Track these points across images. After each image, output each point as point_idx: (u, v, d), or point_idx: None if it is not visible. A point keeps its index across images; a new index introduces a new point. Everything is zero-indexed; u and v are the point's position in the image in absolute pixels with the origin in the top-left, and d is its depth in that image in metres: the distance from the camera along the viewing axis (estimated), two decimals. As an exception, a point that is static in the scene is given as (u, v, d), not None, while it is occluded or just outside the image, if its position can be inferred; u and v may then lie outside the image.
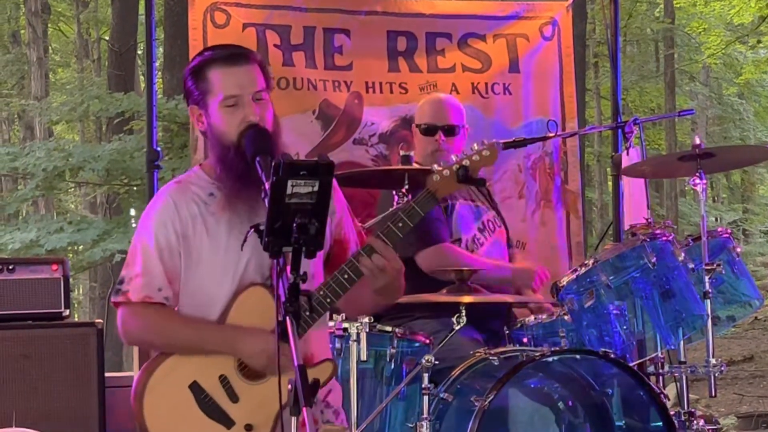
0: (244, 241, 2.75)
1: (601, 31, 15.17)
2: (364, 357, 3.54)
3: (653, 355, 3.87)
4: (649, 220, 3.91)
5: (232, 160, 2.92)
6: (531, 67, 5.43)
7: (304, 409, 2.25)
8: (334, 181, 2.89)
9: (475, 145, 3.09)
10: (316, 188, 2.42)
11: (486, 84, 5.35)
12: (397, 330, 3.70)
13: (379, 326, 3.65)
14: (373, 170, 4.79)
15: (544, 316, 4.00)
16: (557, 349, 3.62)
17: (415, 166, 4.16)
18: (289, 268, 2.42)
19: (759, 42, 20.78)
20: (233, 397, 2.88)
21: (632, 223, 4.15)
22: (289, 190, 2.41)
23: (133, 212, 13.01)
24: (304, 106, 5.10)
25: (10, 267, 4.04)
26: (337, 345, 3.54)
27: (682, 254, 3.85)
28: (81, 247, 13.05)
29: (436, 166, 3.06)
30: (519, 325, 4.04)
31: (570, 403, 3.73)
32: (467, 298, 3.62)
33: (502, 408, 3.61)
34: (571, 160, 5.47)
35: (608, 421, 3.67)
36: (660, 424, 3.55)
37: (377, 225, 4.08)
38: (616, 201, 5.11)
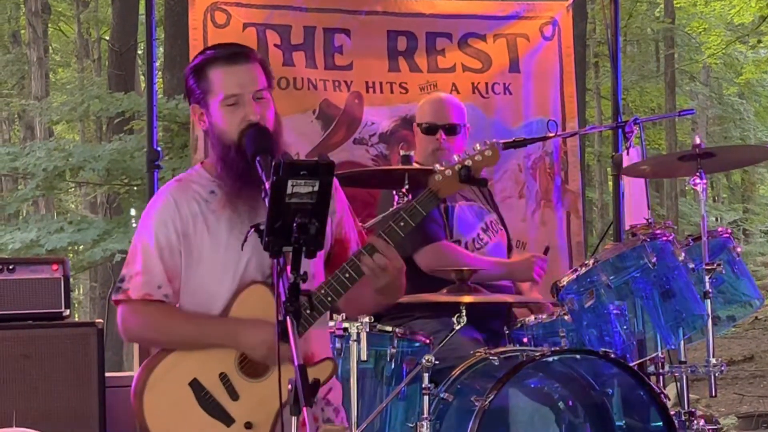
0: (245, 240, 2.75)
1: (602, 31, 15.18)
2: (364, 357, 3.54)
3: (653, 355, 3.87)
4: (650, 220, 3.91)
5: (232, 159, 2.93)
6: (531, 67, 5.43)
7: (304, 408, 2.25)
8: (336, 181, 2.91)
9: (478, 145, 3.09)
10: (316, 188, 2.42)
11: (486, 84, 5.36)
12: (397, 330, 3.70)
13: (379, 326, 3.65)
14: (374, 170, 4.79)
15: (545, 316, 4.00)
16: (557, 349, 3.62)
17: (416, 165, 4.16)
18: (289, 267, 2.43)
19: (759, 42, 20.79)
20: (233, 395, 2.88)
21: (632, 223, 4.15)
22: (289, 190, 2.41)
23: (133, 212, 13.01)
24: (305, 105, 5.10)
25: (11, 267, 4.03)
26: (338, 345, 3.54)
27: (683, 254, 3.85)
28: (81, 247, 13.05)
29: (438, 166, 3.06)
30: (519, 324, 4.04)
31: (570, 403, 3.73)
32: (467, 298, 3.62)
33: (502, 408, 3.61)
34: (571, 160, 5.47)
35: (608, 421, 3.67)
36: (660, 424, 3.55)
37: (378, 225, 4.08)
38: (617, 201, 5.11)
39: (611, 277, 3.74)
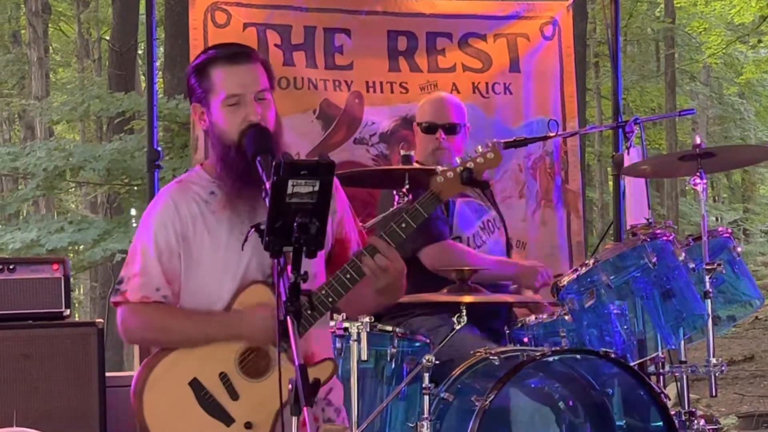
0: (245, 240, 2.75)
1: (602, 31, 15.18)
2: (364, 357, 3.54)
3: (654, 355, 3.87)
4: (650, 220, 3.91)
5: (233, 159, 2.93)
6: (531, 67, 5.43)
7: (304, 408, 2.25)
8: (336, 181, 2.91)
9: (480, 147, 3.10)
10: (316, 188, 2.43)
11: (486, 84, 5.36)
12: (397, 330, 3.70)
13: (379, 326, 3.65)
14: (374, 170, 4.79)
15: (545, 316, 4.00)
16: (558, 348, 3.62)
17: (416, 165, 4.16)
18: (290, 267, 2.43)
19: (760, 41, 20.78)
20: (233, 395, 2.88)
21: (633, 222, 4.15)
22: (289, 190, 2.41)
23: (133, 212, 13.01)
24: (305, 105, 5.10)
25: (11, 267, 4.03)
26: (338, 345, 3.55)
27: (683, 254, 3.85)
28: (81, 247, 13.05)
29: (440, 168, 3.07)
30: (519, 324, 4.04)
31: (570, 403, 3.73)
32: (468, 298, 3.62)
33: (502, 408, 3.61)
34: (571, 159, 5.47)
35: (609, 420, 3.67)
36: (660, 423, 3.55)
37: (378, 225, 4.08)
38: (617, 201, 5.11)
39: (611, 277, 3.74)
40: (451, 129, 4.51)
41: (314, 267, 2.94)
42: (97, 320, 4.07)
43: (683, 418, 3.81)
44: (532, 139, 4.82)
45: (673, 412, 3.62)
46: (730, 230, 4.22)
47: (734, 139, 23.01)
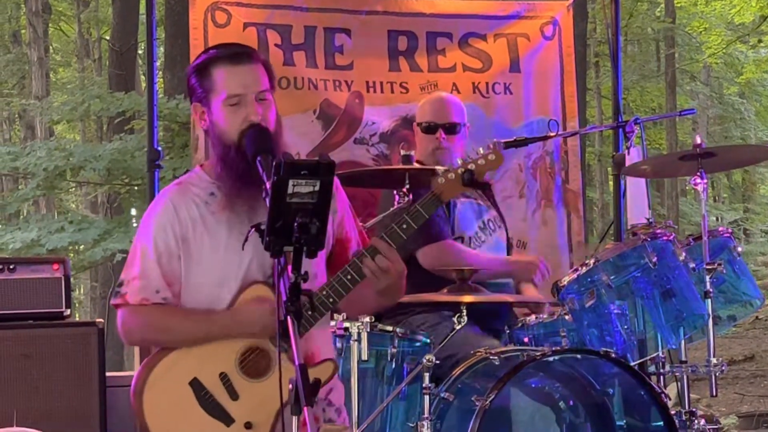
0: (245, 240, 2.76)
1: (602, 31, 15.18)
2: (365, 356, 3.54)
3: (654, 355, 3.87)
4: (650, 220, 3.91)
5: (233, 159, 2.93)
6: (532, 67, 5.43)
7: (305, 408, 2.25)
8: (337, 181, 2.91)
9: (481, 149, 3.09)
10: (317, 188, 2.43)
11: (487, 83, 5.36)
12: (398, 330, 3.70)
13: (380, 326, 3.65)
14: (374, 170, 4.79)
15: (545, 316, 4.00)
16: (558, 348, 3.62)
17: (416, 165, 4.16)
18: (290, 267, 2.43)
19: (760, 41, 20.78)
20: (233, 395, 2.88)
21: (634, 222, 4.15)
22: (290, 190, 2.42)
23: (134, 212, 13.01)
24: (305, 105, 5.10)
25: (11, 266, 4.04)
26: (338, 344, 3.54)
27: (683, 254, 3.85)
28: (82, 247, 13.05)
29: (441, 169, 3.07)
30: (520, 324, 4.04)
31: (571, 403, 3.73)
32: (468, 298, 3.62)
33: (503, 408, 3.61)
34: (572, 159, 5.47)
35: (609, 420, 3.67)
36: (661, 423, 3.55)
37: (379, 225, 4.08)
38: (617, 200, 5.11)
39: (612, 277, 3.74)
40: (451, 129, 4.51)
41: (314, 267, 2.94)
42: (98, 320, 4.07)
43: (684, 417, 3.81)
44: (533, 139, 4.82)
45: (673, 412, 3.62)
46: (730, 230, 4.22)
47: (734, 139, 23.00)
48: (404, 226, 2.95)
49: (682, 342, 3.89)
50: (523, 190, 5.37)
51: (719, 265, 3.89)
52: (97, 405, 3.92)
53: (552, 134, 4.86)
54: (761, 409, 8.81)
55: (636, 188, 4.60)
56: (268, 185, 2.60)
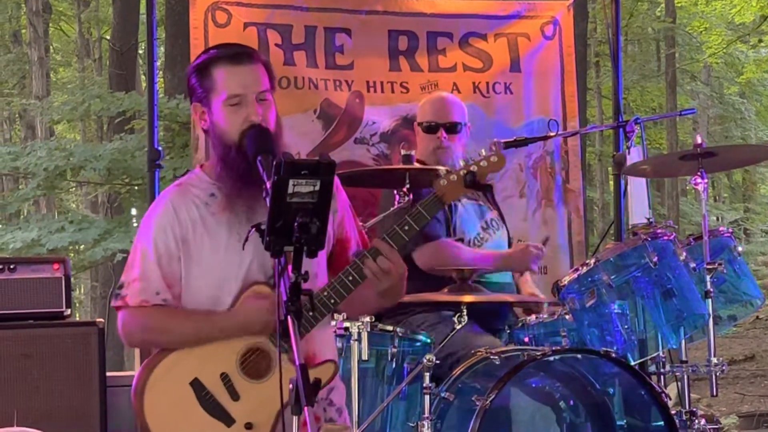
0: (245, 240, 2.76)
1: (603, 31, 15.18)
2: (365, 356, 3.54)
3: (654, 355, 3.87)
4: (651, 220, 3.91)
5: (233, 159, 2.92)
6: (532, 67, 5.43)
7: (305, 408, 2.25)
8: (337, 181, 2.91)
9: (483, 150, 3.09)
10: (317, 188, 2.43)
11: (487, 83, 5.36)
12: (398, 329, 3.70)
13: (380, 326, 3.65)
14: (375, 169, 4.80)
15: (546, 316, 4.00)
16: (558, 348, 3.62)
17: (417, 165, 4.16)
18: (290, 267, 2.43)
19: (760, 41, 20.78)
20: (234, 395, 2.88)
21: (634, 222, 4.15)
22: (290, 190, 2.42)
23: (134, 212, 13.02)
24: (306, 105, 5.10)
25: (12, 266, 4.04)
26: (339, 344, 3.54)
27: (684, 253, 3.85)
28: (82, 247, 13.05)
29: (443, 171, 3.06)
30: (520, 324, 4.04)
31: (571, 403, 3.73)
32: (468, 297, 3.62)
33: (503, 407, 3.61)
34: (572, 159, 5.47)
35: (609, 420, 3.67)
36: (661, 423, 3.55)
37: (379, 225, 4.09)
38: (618, 200, 5.11)
39: (612, 277, 3.74)
40: (452, 128, 4.51)
41: (315, 267, 2.94)
42: (98, 320, 4.07)
43: (684, 417, 3.81)
44: (533, 138, 4.82)
45: (673, 412, 3.62)
46: (730, 230, 4.22)
47: (735, 138, 22.99)
48: (406, 227, 2.95)
49: (683, 342, 3.89)
50: (523, 189, 5.37)
51: (720, 264, 3.89)
52: (97, 405, 3.92)
53: (552, 134, 4.86)
54: (762, 408, 8.81)
55: (636, 188, 4.60)
56: (268, 185, 2.59)
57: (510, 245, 4.64)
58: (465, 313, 3.59)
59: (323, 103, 5.13)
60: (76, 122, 17.78)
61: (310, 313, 2.79)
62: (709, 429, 3.86)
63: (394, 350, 3.68)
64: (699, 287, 3.82)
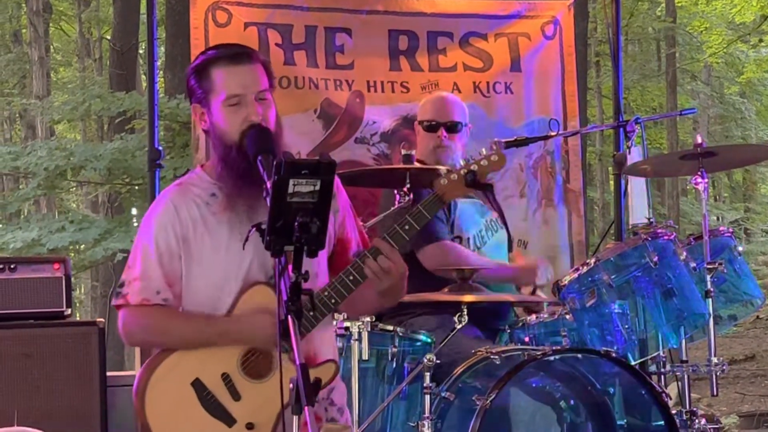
0: (246, 240, 2.76)
1: (603, 30, 15.17)
2: (365, 356, 3.54)
3: (655, 354, 3.87)
4: (651, 220, 3.91)
5: (233, 159, 2.92)
6: (533, 66, 5.43)
7: (306, 408, 2.26)
8: (338, 180, 2.91)
9: (484, 150, 3.09)
10: (317, 187, 2.43)
11: (487, 83, 5.35)
12: (398, 329, 3.70)
13: (380, 325, 3.65)
14: (375, 169, 4.79)
15: (546, 315, 4.00)
16: (559, 348, 3.62)
17: (417, 165, 4.16)
18: (291, 267, 2.43)
19: (761, 41, 20.78)
20: (235, 395, 2.88)
21: (635, 222, 4.15)
22: (290, 189, 2.42)
23: (134, 211, 13.02)
24: (306, 105, 5.10)
25: (12, 266, 4.04)
26: (339, 344, 3.54)
27: (684, 253, 3.85)
28: (83, 246, 13.06)
29: (443, 170, 3.06)
30: (520, 324, 4.04)
31: (572, 402, 3.73)
32: (469, 297, 3.62)
33: (503, 407, 3.61)
34: (572, 159, 5.47)
35: (610, 420, 3.67)
36: (662, 423, 3.55)
37: (380, 224, 4.09)
38: (618, 200, 5.11)
39: (613, 277, 3.74)
40: (452, 127, 4.52)
41: (316, 267, 2.93)
42: (98, 320, 4.07)
43: (684, 417, 3.81)
44: (533, 138, 4.82)
45: (674, 412, 3.62)
46: (731, 229, 4.22)
47: (735, 138, 22.97)
48: (406, 226, 2.95)
49: (683, 341, 3.90)
50: (523, 189, 5.37)
51: (720, 264, 3.89)
52: (97, 404, 3.93)
53: (553, 134, 4.86)
54: (762, 408, 8.82)
55: (637, 188, 4.60)
56: (268, 185, 2.59)
57: (510, 247, 4.64)
58: (465, 312, 3.59)
59: (323, 102, 5.13)
60: (76, 122, 17.78)
61: (311, 313, 2.79)
62: (710, 429, 3.86)
63: (395, 350, 3.68)
64: (699, 287, 3.82)
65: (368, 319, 3.54)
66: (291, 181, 2.41)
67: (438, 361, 3.57)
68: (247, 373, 2.89)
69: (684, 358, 3.96)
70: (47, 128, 17.20)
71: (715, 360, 3.86)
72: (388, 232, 2.94)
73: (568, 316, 3.86)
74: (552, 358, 3.54)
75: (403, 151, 4.08)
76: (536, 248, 5.29)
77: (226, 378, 2.88)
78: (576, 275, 3.77)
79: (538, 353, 3.51)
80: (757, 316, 13.66)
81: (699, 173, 3.95)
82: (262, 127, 2.91)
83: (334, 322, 3.48)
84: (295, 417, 2.30)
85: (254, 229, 2.55)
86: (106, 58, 17.39)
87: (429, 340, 3.77)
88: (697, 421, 3.83)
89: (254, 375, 2.89)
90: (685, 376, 3.97)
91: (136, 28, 14.31)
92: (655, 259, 3.72)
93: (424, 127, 4.57)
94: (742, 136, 23.16)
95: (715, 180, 24.76)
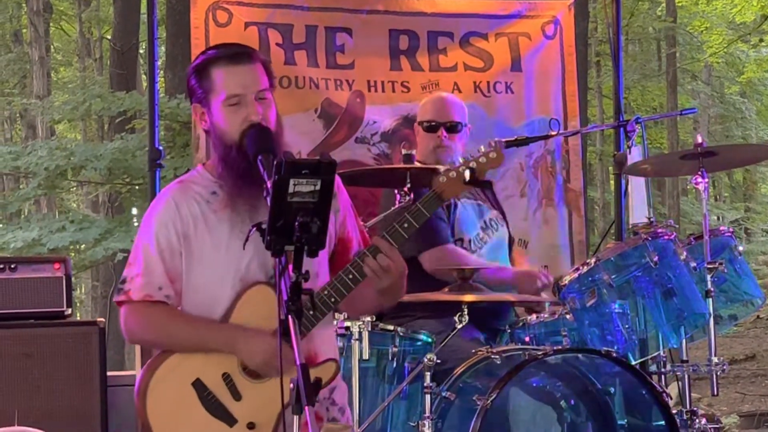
0: (246, 239, 2.75)
1: (603, 30, 15.16)
2: (366, 356, 3.54)
3: (655, 354, 3.87)
4: (651, 219, 3.90)
5: (234, 158, 2.92)
6: (533, 66, 5.43)
7: (306, 408, 2.26)
8: (338, 180, 2.91)
9: (482, 147, 3.09)
10: (318, 187, 2.43)
11: (488, 83, 5.35)
12: (399, 329, 3.70)
13: (381, 325, 3.65)
14: (375, 169, 4.80)
15: (546, 315, 4.00)
16: (559, 347, 3.62)
17: (417, 164, 4.16)
18: (291, 266, 2.43)
19: (761, 41, 20.78)
20: (236, 395, 2.88)
21: (635, 221, 4.15)
22: (291, 189, 2.42)
23: (135, 211, 13.03)
24: (306, 104, 5.10)
25: (12, 266, 4.04)
26: (339, 344, 3.54)
27: (684, 253, 3.85)
28: (83, 246, 13.06)
29: (442, 168, 3.06)
30: (521, 323, 4.04)
31: (572, 402, 3.73)
32: (469, 297, 3.62)
33: (504, 407, 3.61)
34: (573, 158, 5.47)
35: (610, 419, 3.67)
36: (662, 423, 3.55)
37: (380, 224, 4.08)
38: (618, 200, 5.11)
39: (613, 276, 3.74)
40: (452, 127, 4.52)
41: (317, 266, 2.93)
42: (99, 319, 4.08)
43: (685, 417, 3.81)
44: (534, 138, 4.81)
45: (674, 411, 3.62)
46: (731, 229, 4.22)
47: (736, 138, 22.97)
48: (406, 225, 2.95)
49: (683, 341, 3.89)
50: (524, 189, 5.36)
51: (720, 264, 3.88)
52: (98, 404, 3.93)
53: (553, 133, 4.85)
54: (762, 408, 8.81)
55: (637, 187, 4.60)
56: (269, 184, 2.59)
57: (511, 244, 4.65)
58: (466, 312, 3.59)
59: (324, 102, 5.13)
60: (76, 122, 17.79)
61: (311, 313, 2.79)
62: (710, 428, 3.86)
63: (395, 350, 3.68)
64: (699, 287, 3.82)
65: (369, 318, 3.54)
66: (291, 181, 2.41)
67: (438, 362, 3.57)
68: (248, 373, 2.89)
69: (684, 358, 3.96)
70: (47, 128, 17.21)
71: (715, 360, 3.86)
72: (388, 230, 2.94)
73: (568, 316, 3.86)
74: (552, 357, 3.54)
75: (404, 151, 4.08)
76: (536, 248, 5.29)
77: (226, 378, 2.88)
78: (576, 275, 3.77)
79: (539, 353, 3.51)
80: (758, 316, 13.66)
81: (699, 173, 3.95)
82: (262, 127, 2.91)
83: (335, 322, 3.48)
84: (295, 417, 2.30)
85: (254, 228, 2.55)
86: (107, 57, 17.40)
87: (429, 340, 3.77)
88: (697, 420, 3.83)
89: (255, 375, 2.88)
90: (686, 376, 3.97)
91: (136, 28, 14.31)
92: (656, 258, 3.72)
93: (424, 127, 4.57)
94: (743, 135, 23.16)
95: (715, 180, 24.77)
